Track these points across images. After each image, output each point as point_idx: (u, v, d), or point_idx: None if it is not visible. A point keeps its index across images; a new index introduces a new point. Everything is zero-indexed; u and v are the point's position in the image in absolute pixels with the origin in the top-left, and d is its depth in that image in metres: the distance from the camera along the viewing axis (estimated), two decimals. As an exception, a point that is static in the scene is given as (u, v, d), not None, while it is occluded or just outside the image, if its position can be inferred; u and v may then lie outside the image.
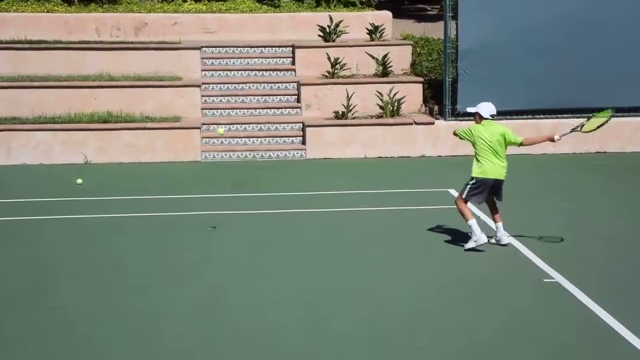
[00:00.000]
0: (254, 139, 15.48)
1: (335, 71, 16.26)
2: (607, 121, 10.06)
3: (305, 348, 7.32)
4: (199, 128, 15.28)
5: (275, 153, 15.29)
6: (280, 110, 16.01)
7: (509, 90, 15.48)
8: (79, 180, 12.84)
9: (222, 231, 10.76)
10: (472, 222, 9.79)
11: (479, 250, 9.68)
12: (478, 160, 9.95)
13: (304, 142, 15.43)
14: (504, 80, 15.53)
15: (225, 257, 9.79)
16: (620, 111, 15.81)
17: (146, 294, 8.61)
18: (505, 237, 10.02)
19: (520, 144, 9.99)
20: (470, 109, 10.24)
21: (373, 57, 16.40)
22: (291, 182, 13.42)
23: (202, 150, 15.20)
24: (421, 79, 16.32)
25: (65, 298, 8.49)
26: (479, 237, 9.71)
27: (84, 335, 7.58)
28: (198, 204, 12.14)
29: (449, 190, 12.82)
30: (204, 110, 15.90)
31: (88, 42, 16.63)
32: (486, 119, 9.99)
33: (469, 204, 10.08)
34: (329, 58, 16.28)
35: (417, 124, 15.53)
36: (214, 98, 16.08)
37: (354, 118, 15.63)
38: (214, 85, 16.25)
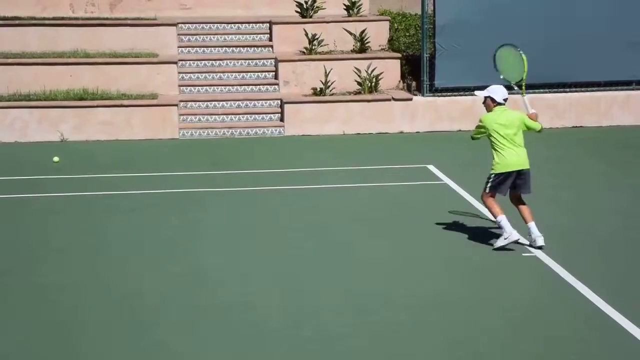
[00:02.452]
0: (232, 115, 15.41)
1: (313, 47, 16.20)
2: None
3: (284, 321, 7.34)
4: (176, 105, 15.18)
5: (254, 130, 15.24)
6: (258, 87, 15.94)
7: (486, 65, 15.40)
8: (56, 158, 12.74)
9: (201, 208, 10.72)
10: (502, 218, 8.82)
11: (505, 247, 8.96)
12: (497, 152, 8.92)
13: (282, 119, 15.39)
14: (481, 55, 15.40)
15: (204, 234, 9.77)
16: (597, 85, 15.98)
17: (125, 270, 8.58)
18: (540, 239, 8.89)
19: (540, 130, 9.14)
20: (479, 93, 9.26)
21: (350, 33, 16.35)
22: (269, 159, 13.39)
23: (179, 128, 15.12)
24: (399, 55, 16.30)
25: (47, 275, 8.45)
26: (510, 234, 8.78)
27: (67, 310, 7.55)
28: (176, 182, 12.09)
29: (427, 166, 12.86)
30: (182, 87, 15.80)
31: (62, 19, 16.44)
32: (499, 104, 9.01)
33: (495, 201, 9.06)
34: (306, 34, 16.21)
35: (395, 100, 15.53)
36: (191, 75, 15.97)
37: (332, 94, 15.59)
38: (191, 62, 16.13)
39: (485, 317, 7.45)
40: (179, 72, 15.85)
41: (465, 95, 15.52)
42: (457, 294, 7.97)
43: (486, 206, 9.08)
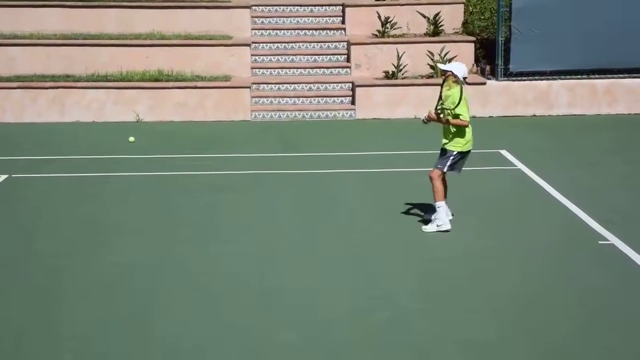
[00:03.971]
0: (304, 98, 15.45)
1: (386, 30, 16.11)
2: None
3: (357, 305, 7.35)
4: (249, 87, 15.29)
5: (325, 113, 15.26)
6: (329, 69, 15.94)
7: (563, 49, 15.21)
8: (132, 138, 12.98)
9: (269, 190, 10.80)
10: (443, 204, 8.94)
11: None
12: (462, 130, 8.90)
13: (353, 102, 15.37)
14: (558, 40, 15.25)
15: (276, 215, 9.84)
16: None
17: (197, 247, 8.71)
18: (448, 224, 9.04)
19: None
20: (442, 66, 9.16)
21: (424, 16, 16.20)
22: (340, 142, 13.39)
23: (251, 110, 15.23)
24: (473, 38, 16.09)
25: (122, 253, 8.63)
26: (444, 223, 8.91)
27: (140, 288, 7.71)
28: (247, 163, 12.20)
29: (500, 151, 12.68)
30: (254, 70, 15.90)
31: (140, 0, 16.68)
32: (461, 80, 8.88)
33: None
34: (379, 17, 16.13)
35: (468, 84, 15.29)
36: (264, 57, 16.05)
37: (404, 78, 15.50)
38: (264, 44, 16.22)
39: (565, 307, 7.33)
40: (252, 55, 15.96)
41: (541, 79, 15.26)
42: (536, 284, 7.86)
43: (435, 186, 8.96)
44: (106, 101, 15.06)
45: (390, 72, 15.51)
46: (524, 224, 9.45)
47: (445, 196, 9.09)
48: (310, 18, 16.67)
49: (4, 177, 11.37)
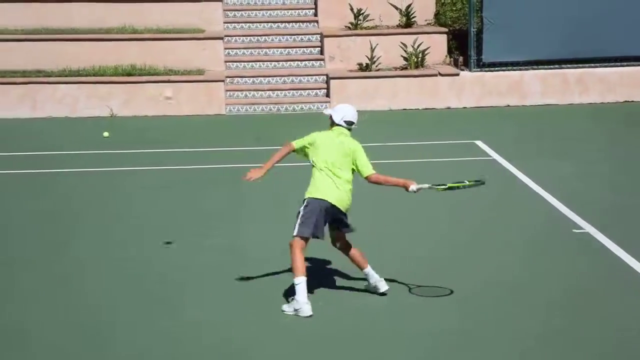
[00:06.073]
0: (278, 91, 15.41)
1: (359, 22, 16.10)
2: (464, 187, 7.42)
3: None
4: (222, 81, 15.23)
5: (299, 105, 15.23)
6: (303, 62, 15.91)
7: (535, 39, 15.29)
8: (106, 133, 12.88)
9: (244, 184, 10.75)
10: (302, 280, 6.90)
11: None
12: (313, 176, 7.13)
13: (328, 95, 15.35)
14: (530, 30, 15.32)
15: (245, 209, 9.81)
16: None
17: (159, 245, 8.67)
18: (383, 283, 7.30)
19: (367, 178, 7.15)
20: (326, 111, 7.43)
21: (396, 8, 16.21)
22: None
23: (226, 104, 15.17)
24: (445, 30, 16.13)
25: (84, 248, 8.57)
26: (301, 306, 6.89)
27: (99, 287, 7.67)
28: (222, 157, 12.15)
29: (475, 141, 12.75)
30: (228, 63, 15.83)
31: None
32: (338, 125, 7.21)
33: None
34: (351, 9, 16.12)
35: (441, 75, 15.39)
36: (237, 50, 15.98)
37: (377, 70, 15.51)
38: (237, 37, 16.15)
39: (545, 296, 7.40)
40: (225, 48, 15.88)
41: (514, 70, 15.34)
42: (512, 275, 7.91)
43: (292, 256, 6.99)
44: (79, 96, 14.92)
45: (364, 64, 15.52)
46: (500, 213, 9.50)
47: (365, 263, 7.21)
48: (283, 10, 16.62)
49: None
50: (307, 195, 7.13)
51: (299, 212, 7.06)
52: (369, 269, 7.31)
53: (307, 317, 6.91)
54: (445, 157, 11.96)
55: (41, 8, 16.05)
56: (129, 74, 15.09)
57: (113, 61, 15.35)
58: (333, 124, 7.28)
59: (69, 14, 16.06)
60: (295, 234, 7.01)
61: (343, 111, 7.26)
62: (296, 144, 7.35)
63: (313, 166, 7.21)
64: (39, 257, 8.37)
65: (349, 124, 7.24)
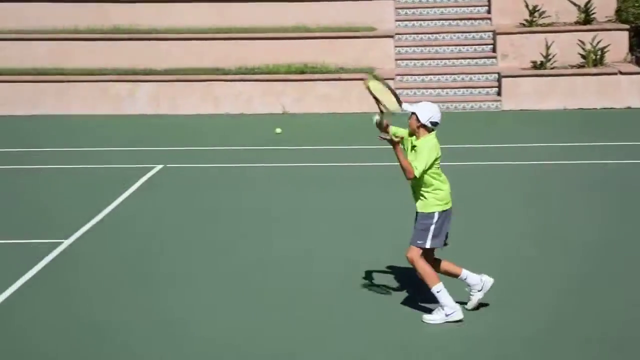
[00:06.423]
0: (448, 90, 15.26)
1: (534, 19, 15.68)
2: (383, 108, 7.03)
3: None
4: (392, 79, 15.23)
5: (470, 104, 15.01)
6: (475, 60, 15.66)
7: None
8: (278, 130, 13.20)
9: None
10: (441, 287, 6.67)
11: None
12: (433, 187, 6.78)
13: (499, 93, 15.04)
14: None
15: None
16: None
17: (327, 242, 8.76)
18: (486, 277, 6.87)
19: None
20: (407, 107, 6.99)
21: (575, 4, 15.67)
22: (486, 134, 13.14)
23: (395, 102, 15.16)
24: (627, 26, 15.45)
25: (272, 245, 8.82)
26: (454, 310, 6.66)
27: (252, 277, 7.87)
28: (385, 156, 12.13)
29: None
30: (398, 61, 15.84)
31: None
32: (424, 125, 6.82)
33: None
34: (526, 5, 15.72)
35: (622, 73, 14.72)
36: (408, 49, 15.96)
37: (552, 68, 15.04)
38: (408, 35, 16.12)
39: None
40: (396, 46, 15.89)
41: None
42: None
43: (418, 270, 6.71)
44: (253, 93, 15.36)
45: (539, 62, 15.08)
46: None
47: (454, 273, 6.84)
48: (455, 8, 16.42)
49: (160, 166, 11.83)
50: (434, 209, 6.70)
51: (429, 224, 6.66)
52: (464, 272, 6.84)
53: (458, 320, 6.65)
54: (625, 159, 11.41)
55: (222, 7, 16.52)
56: (302, 72, 15.41)
57: (286, 60, 15.71)
58: (418, 122, 6.77)
59: (251, 14, 16.38)
60: (428, 246, 6.67)
61: (431, 111, 6.79)
62: (426, 165, 6.71)
63: (426, 173, 6.73)
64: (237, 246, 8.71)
65: (434, 124, 6.81)
